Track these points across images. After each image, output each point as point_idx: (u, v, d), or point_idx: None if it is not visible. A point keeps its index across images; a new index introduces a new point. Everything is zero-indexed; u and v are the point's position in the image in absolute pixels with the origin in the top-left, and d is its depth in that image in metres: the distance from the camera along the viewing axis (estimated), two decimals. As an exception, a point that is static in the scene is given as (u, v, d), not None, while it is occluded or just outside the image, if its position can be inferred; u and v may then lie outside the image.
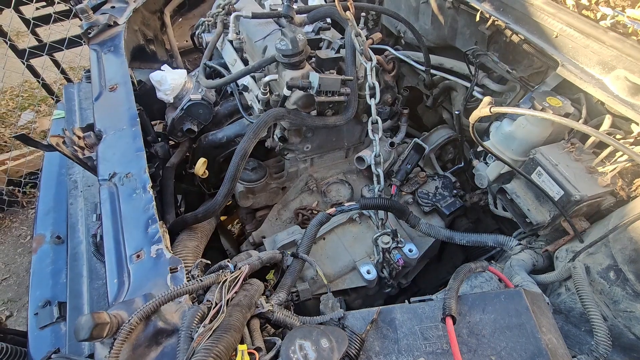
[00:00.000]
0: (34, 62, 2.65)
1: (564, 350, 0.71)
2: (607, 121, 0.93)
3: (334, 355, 0.64)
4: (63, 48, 2.55)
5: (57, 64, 2.89)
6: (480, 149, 1.20)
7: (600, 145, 0.95)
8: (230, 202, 1.54)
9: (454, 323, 0.69)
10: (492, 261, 1.15)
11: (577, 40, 0.98)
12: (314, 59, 1.29)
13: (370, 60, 1.14)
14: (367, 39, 1.19)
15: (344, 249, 1.25)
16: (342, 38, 1.28)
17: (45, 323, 1.07)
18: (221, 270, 0.80)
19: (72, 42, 2.62)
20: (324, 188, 1.43)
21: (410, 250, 1.22)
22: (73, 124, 1.41)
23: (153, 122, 1.54)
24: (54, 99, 3.05)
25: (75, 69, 3.66)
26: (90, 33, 1.44)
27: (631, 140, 0.91)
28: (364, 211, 1.29)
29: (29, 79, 3.22)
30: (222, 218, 1.73)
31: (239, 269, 0.86)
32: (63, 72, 2.99)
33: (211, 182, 1.45)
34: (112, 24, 1.46)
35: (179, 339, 0.65)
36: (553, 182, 0.93)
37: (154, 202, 0.90)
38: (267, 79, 1.12)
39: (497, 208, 1.32)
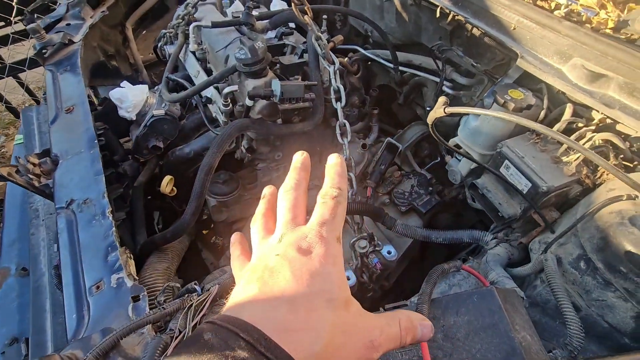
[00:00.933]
0: (-3, 84, 2.56)
1: (538, 346, 0.70)
2: (569, 110, 0.94)
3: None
4: (25, 69, 2.46)
5: (22, 84, 2.80)
6: (451, 143, 1.19)
7: (565, 134, 0.95)
8: (206, 216, 1.51)
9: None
10: (470, 257, 1.14)
11: (534, 31, 0.98)
12: (278, 66, 1.26)
13: (333, 63, 1.12)
14: (328, 42, 1.17)
15: (322, 257, 1.23)
16: (305, 42, 1.26)
17: (13, 362, 1.02)
18: (187, 295, 0.77)
19: (34, 62, 2.53)
20: (300, 195, 1.41)
21: (389, 252, 1.21)
22: (33, 150, 1.35)
23: (122, 140, 1.49)
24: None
25: (43, 88, 3.55)
26: (45, 53, 1.38)
27: (593, 127, 0.92)
28: (340, 216, 1.27)
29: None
30: (205, 232, 1.69)
31: (207, 290, 0.83)
32: (29, 92, 2.90)
33: (183, 198, 1.41)
34: (67, 42, 1.41)
35: (141, 374, 0.62)
36: (521, 175, 0.93)
37: (114, 228, 0.86)
38: (226, 90, 1.09)
39: (474, 202, 1.32)
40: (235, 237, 0.51)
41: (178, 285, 0.91)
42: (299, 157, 0.49)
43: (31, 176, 1.00)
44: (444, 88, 1.44)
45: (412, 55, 1.60)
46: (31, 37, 2.04)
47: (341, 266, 0.38)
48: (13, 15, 2.35)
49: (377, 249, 1.16)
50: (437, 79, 1.46)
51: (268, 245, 0.41)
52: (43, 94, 1.52)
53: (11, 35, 2.38)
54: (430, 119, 0.83)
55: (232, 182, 1.33)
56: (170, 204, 1.45)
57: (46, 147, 1.10)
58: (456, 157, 1.28)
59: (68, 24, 1.52)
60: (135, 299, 0.75)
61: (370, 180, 1.37)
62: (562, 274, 0.85)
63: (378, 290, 1.34)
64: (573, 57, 0.92)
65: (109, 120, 1.37)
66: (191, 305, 0.75)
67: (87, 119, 1.14)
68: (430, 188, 1.41)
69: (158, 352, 0.63)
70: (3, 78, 2.44)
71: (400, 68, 1.55)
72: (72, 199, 0.93)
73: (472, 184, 1.10)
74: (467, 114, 0.85)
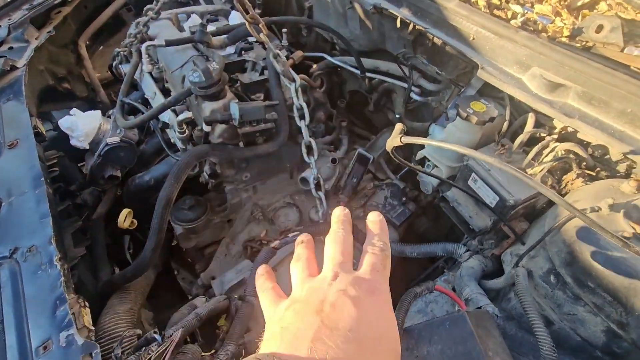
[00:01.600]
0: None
1: (513, 371, 0.69)
2: (531, 120, 0.93)
3: None
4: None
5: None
6: (419, 157, 1.18)
7: (530, 143, 0.94)
8: (176, 243, 1.44)
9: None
10: (445, 269, 1.13)
11: (492, 41, 0.97)
12: (238, 84, 1.21)
13: (294, 81, 1.08)
14: (288, 59, 1.13)
15: (297, 279, 1.19)
16: (264, 59, 1.22)
17: None
18: (144, 348, 0.72)
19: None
20: (272, 215, 1.36)
21: (364, 270, 1.18)
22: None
23: (81, 164, 1.40)
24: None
25: None
26: (-16, 79, 1.28)
27: (555, 136, 0.91)
28: (313, 235, 1.24)
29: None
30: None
31: (169, 336, 0.78)
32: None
33: (148, 227, 1.34)
34: (9, 68, 1.31)
35: None
36: (488, 188, 0.92)
37: (63, 278, 0.79)
38: (180, 117, 1.03)
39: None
40: (262, 269, 0.51)
41: (139, 332, 0.86)
42: (341, 212, 0.50)
43: (-30, 223, 0.91)
44: (412, 95, 1.42)
45: (379, 62, 1.57)
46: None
47: (394, 315, 0.41)
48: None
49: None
50: (405, 85, 1.44)
51: (320, 282, 0.41)
52: (-13, 125, 1.41)
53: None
54: (388, 147, 0.80)
55: (198, 207, 1.27)
56: (135, 233, 1.38)
57: (-12, 188, 1.01)
58: (428, 167, 1.26)
59: (10, 48, 1.41)
60: (89, 357, 0.69)
61: (343, 195, 1.34)
62: (533, 287, 0.85)
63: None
64: (532, 66, 0.92)
65: (65, 146, 1.28)
66: (150, 359, 0.70)
67: (32, 154, 1.05)
68: (404, 198, 1.39)
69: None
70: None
71: (368, 75, 1.53)
72: (16, 247, 0.86)
73: (442, 197, 1.09)
74: (423, 142, 0.83)
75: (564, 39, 0.91)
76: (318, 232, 1.07)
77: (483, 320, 0.77)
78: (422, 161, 1.27)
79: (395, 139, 0.76)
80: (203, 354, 0.81)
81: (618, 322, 0.69)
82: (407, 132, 1.56)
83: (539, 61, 0.90)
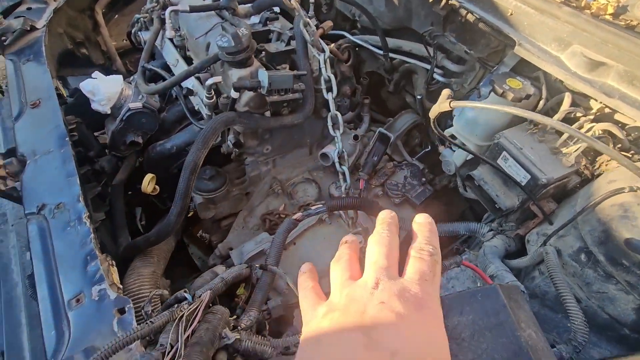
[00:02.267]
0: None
1: (543, 344, 0.68)
2: (567, 99, 0.91)
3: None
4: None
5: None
6: (447, 133, 1.16)
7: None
8: (193, 212, 1.44)
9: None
10: (466, 248, 1.13)
11: (532, 17, 0.95)
12: (264, 54, 1.18)
13: (323, 51, 1.05)
14: (317, 29, 1.11)
15: (315, 253, 1.19)
16: (292, 28, 1.19)
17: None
18: (176, 305, 0.72)
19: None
20: (290, 189, 1.36)
21: (383, 247, 1.18)
22: (-4, 148, 1.24)
23: (97, 133, 1.39)
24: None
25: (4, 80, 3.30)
26: (4, 41, 1.26)
27: (592, 117, 0.90)
28: (333, 211, 1.23)
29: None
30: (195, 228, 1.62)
31: (199, 297, 0.78)
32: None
33: (167, 196, 1.34)
34: (29, 28, 1.28)
35: (130, 397, 0.57)
36: (519, 167, 0.91)
37: (93, 235, 0.79)
38: (209, 82, 1.01)
39: (466, 191, 1.31)
40: (306, 267, 0.47)
41: (166, 292, 0.86)
42: (387, 214, 0.45)
43: (-4, 179, 0.91)
44: (435, 75, 1.40)
45: (401, 42, 1.54)
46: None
47: (444, 331, 0.37)
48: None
49: (372, 244, 1.13)
50: (428, 66, 1.42)
51: (360, 289, 0.37)
52: (5, 86, 1.39)
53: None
54: (433, 113, 0.79)
55: (218, 177, 1.26)
56: (153, 200, 1.37)
57: (11, 146, 1.00)
58: (450, 148, 1.25)
59: (29, 8, 1.38)
60: (121, 311, 0.70)
61: (363, 172, 1.33)
62: (561, 266, 0.85)
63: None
64: (572, 44, 0.89)
65: (82, 112, 1.26)
66: (182, 316, 0.70)
67: (56, 114, 1.04)
68: (423, 179, 1.38)
69: (148, 371, 0.58)
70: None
71: (390, 55, 1.50)
72: (43, 204, 0.85)
73: (468, 175, 1.08)
74: (475, 105, 0.82)
75: (607, 17, 0.89)
76: (344, 205, 1.07)
77: (514, 294, 0.76)
78: (444, 142, 1.26)
79: (443, 103, 0.75)
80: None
81: (651, 300, 0.69)
82: (425, 111, 1.54)
83: (580, 39, 0.88)
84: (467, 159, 1.17)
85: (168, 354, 0.63)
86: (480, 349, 0.72)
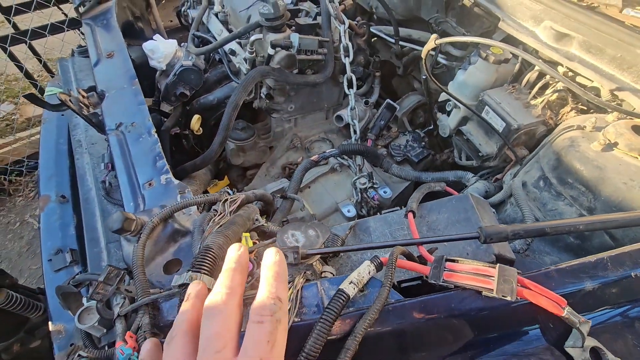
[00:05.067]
0: (13, 52, 2.67)
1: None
2: (538, 63, 1.12)
3: (319, 240, 0.80)
4: (46, 34, 2.59)
5: (36, 53, 2.91)
6: (442, 99, 1.38)
7: (535, 85, 1.14)
8: (222, 165, 1.68)
9: (414, 217, 0.87)
10: (454, 195, 1.33)
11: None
12: (294, 26, 1.43)
13: (343, 23, 1.29)
14: (339, 5, 1.35)
15: (327, 194, 1.42)
16: (318, 7, 1.44)
17: (59, 267, 1.19)
18: (223, 191, 0.95)
19: (54, 29, 2.66)
20: (308, 145, 1.59)
21: (385, 192, 1.40)
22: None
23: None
24: (35, 87, 3.06)
25: (53, 61, 3.66)
26: (84, 6, 1.54)
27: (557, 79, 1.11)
28: (343, 161, 1.46)
29: (4, 72, 3.21)
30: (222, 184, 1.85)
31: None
32: (45, 65, 3.02)
33: (201, 146, 1.58)
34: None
35: (193, 234, 0.79)
36: (497, 117, 1.12)
37: (159, 143, 1.03)
38: (253, 38, 1.26)
39: (461, 160, 1.51)
40: (149, 344, 0.40)
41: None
42: (235, 254, 0.39)
43: (81, 105, 1.16)
44: (439, 59, 1.62)
45: (411, 31, 1.78)
46: (52, 5, 2.17)
47: None
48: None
49: (375, 186, 1.35)
50: (433, 52, 1.64)
51: None
52: (78, 48, 1.67)
53: (35, 1, 2.51)
54: (423, 53, 1.02)
55: (248, 129, 1.50)
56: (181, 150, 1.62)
57: (91, 85, 1.26)
58: (446, 114, 1.47)
59: (102, -16, 1.66)
60: (182, 192, 0.93)
61: (371, 134, 1.56)
62: (526, 194, 1.05)
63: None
64: (544, 20, 1.11)
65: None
66: (227, 199, 0.93)
67: (127, 62, 1.30)
68: (423, 143, 1.60)
69: (206, 220, 0.81)
70: (25, 42, 2.56)
71: (400, 43, 1.73)
72: (120, 122, 1.10)
73: (458, 130, 1.29)
74: (457, 40, 1.05)
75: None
76: (353, 150, 1.29)
77: (482, 203, 0.97)
78: (443, 106, 1.48)
79: (430, 42, 0.97)
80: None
81: (588, 208, 0.89)
82: (431, 94, 1.76)
83: (550, 15, 1.10)
84: (459, 121, 1.38)
85: (218, 215, 0.85)
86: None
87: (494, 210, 1.06)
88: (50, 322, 0.98)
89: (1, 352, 1.46)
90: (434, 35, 0.99)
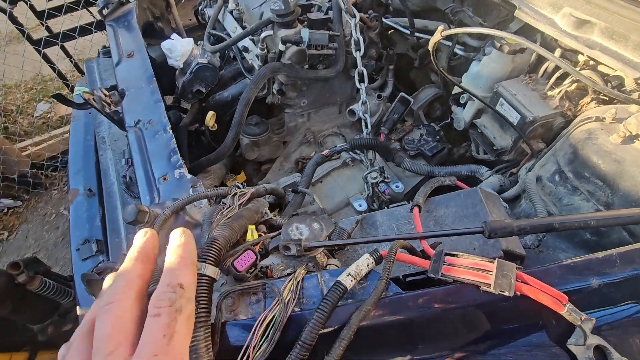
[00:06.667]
0: (47, 54, 2.83)
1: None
2: (557, 53, 1.08)
3: (322, 233, 0.82)
4: (76, 35, 2.72)
5: (68, 54, 3.07)
6: (456, 91, 1.35)
7: (553, 75, 1.09)
8: (238, 159, 1.72)
9: (420, 211, 0.86)
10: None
11: (531, -14, 1.12)
12: (306, 22, 1.44)
13: (354, 17, 1.29)
14: (350, -1, 1.34)
15: (339, 188, 1.43)
16: (329, 1, 1.43)
17: (87, 256, 1.27)
18: (231, 186, 0.98)
19: (83, 31, 2.80)
20: (321, 140, 1.60)
21: (397, 186, 1.39)
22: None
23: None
24: (67, 87, 3.24)
25: (83, 61, 3.84)
26: (108, 8, 1.61)
27: (577, 69, 1.06)
28: (355, 155, 1.46)
29: (40, 73, 3.41)
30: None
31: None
32: (76, 65, 3.18)
33: (217, 141, 1.62)
34: (124, 1, 1.63)
35: (203, 226, 0.83)
36: (512, 109, 1.09)
37: (174, 139, 1.07)
38: (263, 34, 1.28)
39: (478, 153, 1.48)
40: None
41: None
42: (140, 240, 0.36)
43: (104, 103, 1.23)
44: (456, 50, 1.58)
45: (427, 22, 1.74)
46: (82, 8, 2.28)
47: None
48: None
49: (386, 180, 1.34)
50: (450, 43, 1.60)
51: None
52: (102, 49, 1.76)
53: (65, 4, 2.64)
54: (430, 45, 1.00)
55: (262, 124, 1.53)
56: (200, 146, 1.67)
57: (113, 84, 1.32)
58: (461, 106, 1.43)
59: (123, -13, 1.73)
60: (194, 186, 0.97)
61: (384, 127, 1.55)
62: (541, 188, 1.02)
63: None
64: (563, 7, 1.06)
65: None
66: (236, 193, 0.96)
67: (146, 62, 1.35)
68: (438, 137, 1.57)
69: (215, 213, 0.84)
70: (57, 44, 2.71)
71: (417, 34, 1.70)
72: (139, 120, 1.16)
73: (472, 123, 1.26)
74: (464, 31, 1.02)
75: (595, -17, 1.04)
76: (364, 144, 1.29)
77: (492, 198, 0.95)
78: (457, 98, 1.44)
79: (436, 35, 0.95)
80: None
81: (605, 203, 0.86)
82: (447, 86, 1.73)
83: (570, 1, 1.05)
84: (474, 114, 1.35)
85: (227, 208, 0.88)
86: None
87: (506, 205, 1.03)
88: (78, 307, 1.05)
89: (37, 333, 1.58)
90: (440, 27, 0.97)
